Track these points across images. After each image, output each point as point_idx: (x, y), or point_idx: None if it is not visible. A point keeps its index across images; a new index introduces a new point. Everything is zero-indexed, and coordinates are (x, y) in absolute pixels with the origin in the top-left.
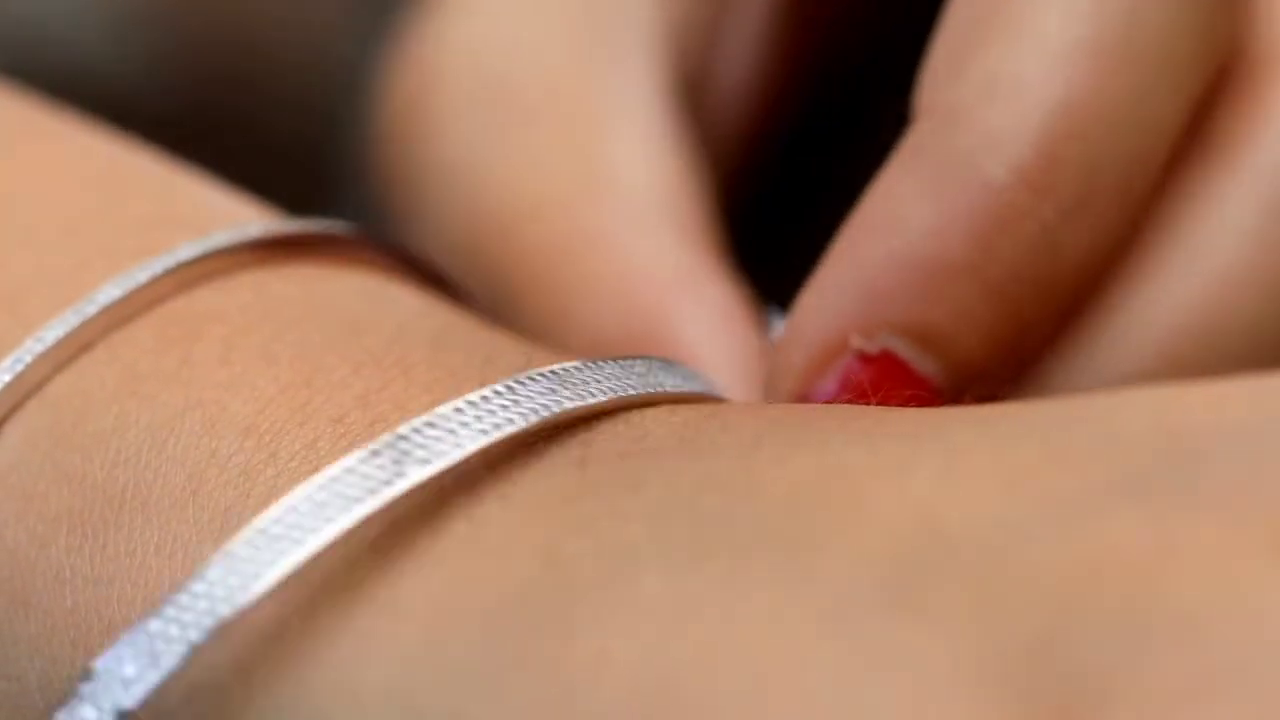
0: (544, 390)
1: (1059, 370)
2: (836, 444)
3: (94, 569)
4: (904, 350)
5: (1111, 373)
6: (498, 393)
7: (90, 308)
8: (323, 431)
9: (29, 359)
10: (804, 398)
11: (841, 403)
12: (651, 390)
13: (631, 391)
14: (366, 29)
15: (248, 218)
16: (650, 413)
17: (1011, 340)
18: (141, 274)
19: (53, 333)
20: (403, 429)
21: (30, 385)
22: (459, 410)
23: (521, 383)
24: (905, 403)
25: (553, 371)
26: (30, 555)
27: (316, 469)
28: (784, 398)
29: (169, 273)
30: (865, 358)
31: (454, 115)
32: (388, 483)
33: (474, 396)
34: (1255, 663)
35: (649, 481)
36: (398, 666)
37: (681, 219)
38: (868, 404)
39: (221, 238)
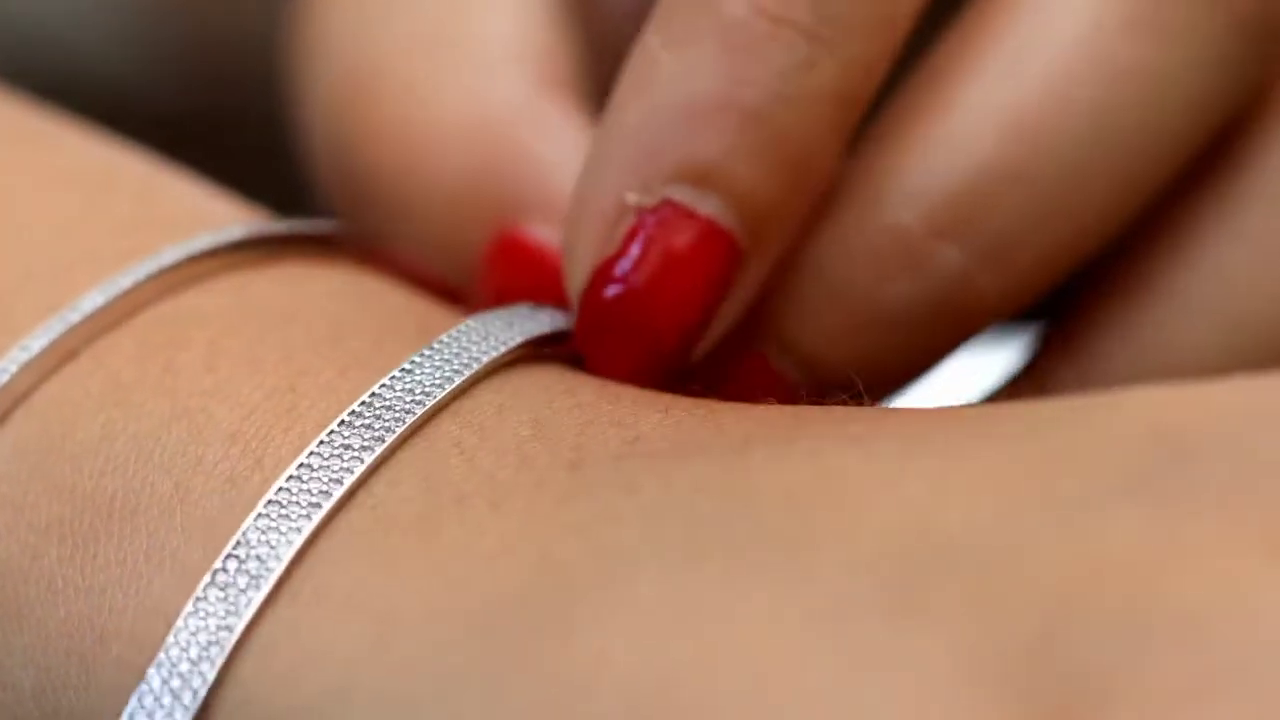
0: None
1: (889, 184)
2: (830, 447)
3: (85, 578)
4: (683, 195)
5: (944, 170)
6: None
7: (74, 315)
8: (309, 436)
9: (14, 369)
10: (602, 271)
11: (647, 270)
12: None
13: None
14: None
15: (233, 218)
16: (643, 414)
17: (788, 167)
18: (125, 279)
19: (38, 341)
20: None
21: (17, 395)
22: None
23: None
24: (700, 253)
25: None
26: (23, 566)
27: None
28: (581, 276)
29: (152, 277)
30: (647, 212)
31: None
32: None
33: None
34: (1255, 662)
35: (643, 483)
36: (396, 674)
37: (540, 68)
38: (669, 263)
39: (204, 240)
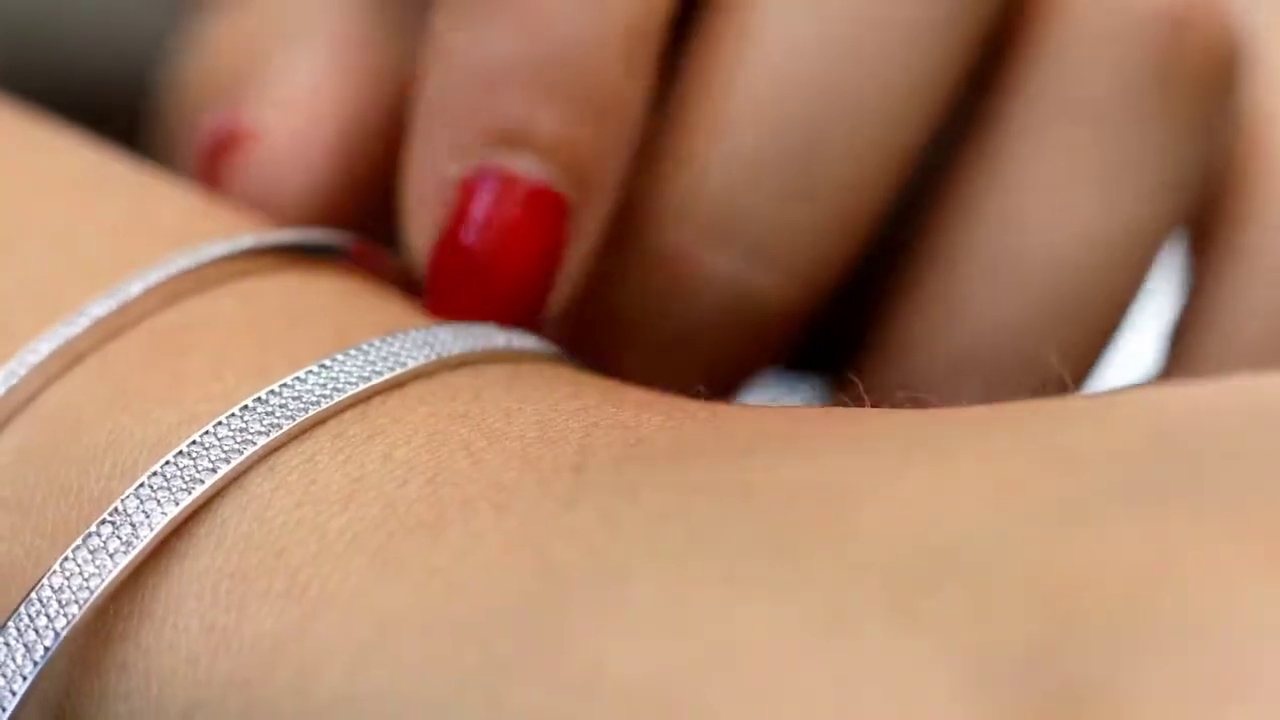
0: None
1: (653, 210)
2: (829, 450)
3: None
4: (501, 158)
5: (695, 182)
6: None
7: (82, 320)
8: (322, 445)
9: (24, 371)
10: (443, 243)
11: (487, 236)
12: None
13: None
14: None
15: (232, 224)
16: (646, 417)
17: (594, 112)
18: (135, 286)
19: (45, 345)
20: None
21: (22, 399)
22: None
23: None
24: (529, 213)
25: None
26: (26, 569)
27: (314, 482)
28: (422, 247)
29: (160, 285)
30: (472, 180)
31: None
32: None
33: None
34: (1256, 668)
35: (644, 487)
36: (395, 679)
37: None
38: (503, 226)
39: (217, 248)
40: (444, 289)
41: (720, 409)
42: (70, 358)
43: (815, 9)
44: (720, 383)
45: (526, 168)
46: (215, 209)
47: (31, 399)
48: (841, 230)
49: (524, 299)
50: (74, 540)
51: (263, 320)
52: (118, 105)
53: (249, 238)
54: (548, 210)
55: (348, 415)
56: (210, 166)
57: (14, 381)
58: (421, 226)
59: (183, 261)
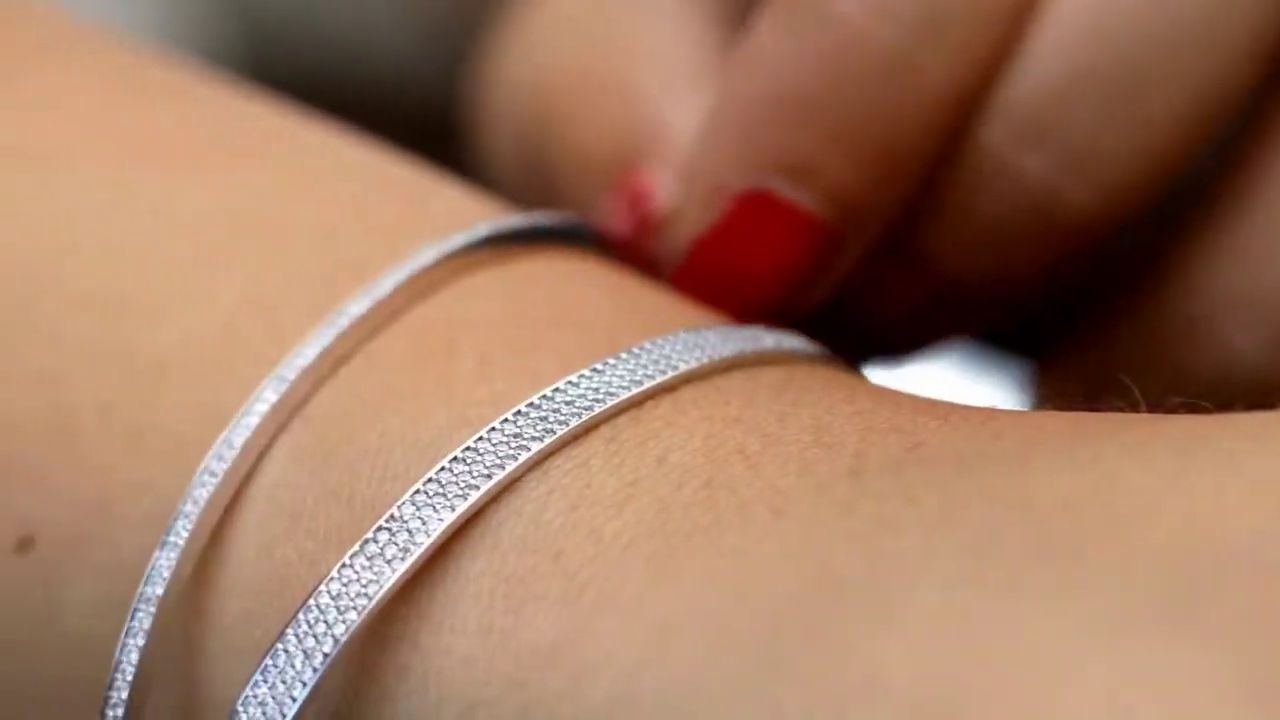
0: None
1: (977, 107)
2: (1110, 455)
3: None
4: (779, 186)
5: (1024, 85)
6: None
7: (343, 320)
8: (595, 450)
9: (293, 375)
10: (703, 243)
11: (745, 251)
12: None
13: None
14: None
15: (490, 216)
16: (922, 421)
17: (882, 168)
18: (386, 283)
19: (312, 348)
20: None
21: (294, 403)
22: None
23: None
24: (793, 241)
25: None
26: (300, 573)
27: (588, 485)
28: (683, 242)
29: (413, 279)
30: (743, 197)
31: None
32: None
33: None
34: None
35: (922, 492)
36: (671, 685)
37: (688, 68)
38: (765, 246)
39: (458, 239)
40: (689, 282)
41: (996, 412)
42: (336, 360)
43: None
44: (1016, 280)
45: (803, 199)
46: (485, 204)
47: (303, 403)
48: (1157, 158)
49: (770, 311)
50: (348, 545)
51: (528, 319)
52: (362, 98)
53: (484, 225)
54: (814, 238)
55: (620, 419)
56: (637, 227)
57: (285, 388)
58: (689, 222)
59: (428, 254)
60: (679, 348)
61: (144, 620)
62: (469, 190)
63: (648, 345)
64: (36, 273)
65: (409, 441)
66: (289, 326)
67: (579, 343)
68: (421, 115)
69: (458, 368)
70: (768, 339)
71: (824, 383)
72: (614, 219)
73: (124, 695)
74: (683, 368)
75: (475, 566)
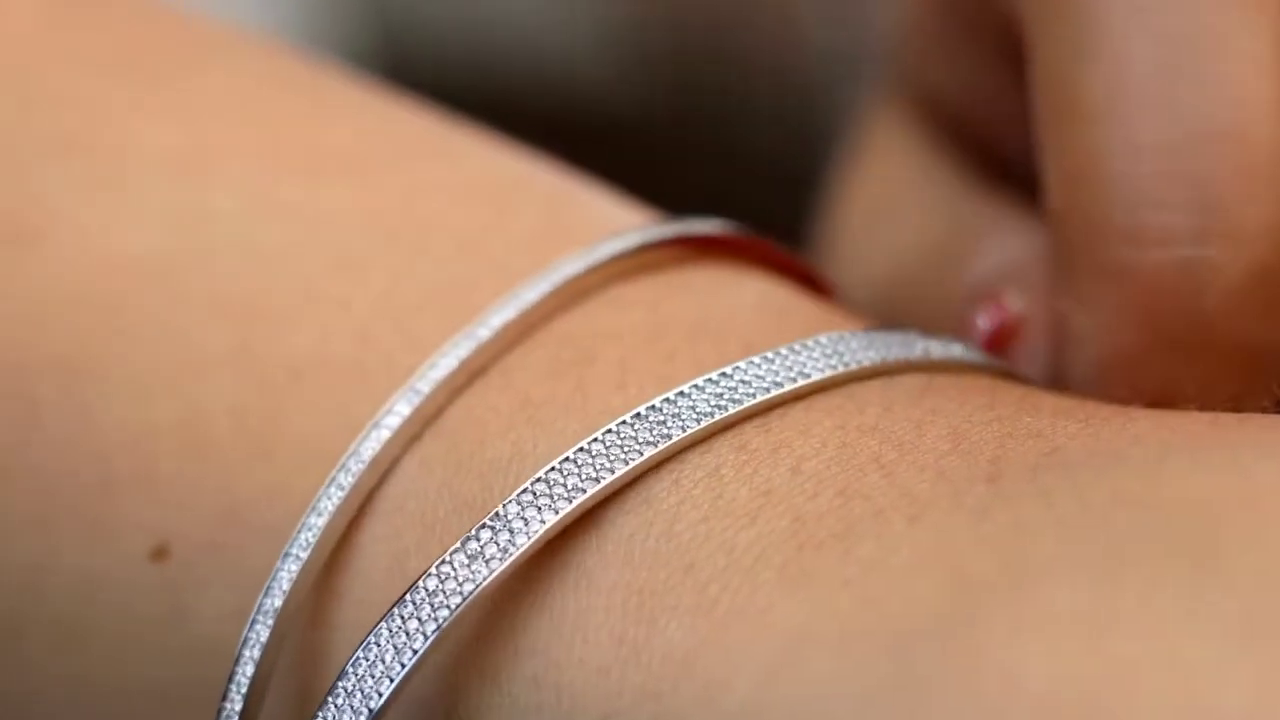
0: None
1: None
2: (1247, 458)
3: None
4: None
5: None
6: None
7: (484, 331)
8: (725, 458)
9: (428, 389)
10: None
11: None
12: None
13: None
14: (847, 46)
15: (636, 224)
16: (1061, 425)
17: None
18: (530, 293)
19: (447, 360)
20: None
21: (428, 415)
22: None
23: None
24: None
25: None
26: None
27: (720, 495)
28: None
29: (556, 290)
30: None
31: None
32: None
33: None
34: None
35: (1059, 496)
36: (804, 694)
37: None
38: None
39: (606, 249)
40: None
41: (1134, 413)
42: (472, 370)
43: None
44: None
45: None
46: (630, 211)
47: (437, 415)
48: None
49: None
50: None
51: (669, 328)
52: (503, 98)
53: (635, 234)
54: None
55: (747, 427)
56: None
57: (418, 401)
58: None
59: (574, 265)
60: (815, 355)
61: (261, 632)
62: (615, 196)
63: (783, 350)
64: (175, 276)
65: (541, 451)
66: (426, 335)
67: (717, 350)
68: (564, 114)
69: (594, 376)
70: (917, 345)
71: (964, 390)
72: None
73: (237, 708)
74: (815, 375)
75: (608, 578)
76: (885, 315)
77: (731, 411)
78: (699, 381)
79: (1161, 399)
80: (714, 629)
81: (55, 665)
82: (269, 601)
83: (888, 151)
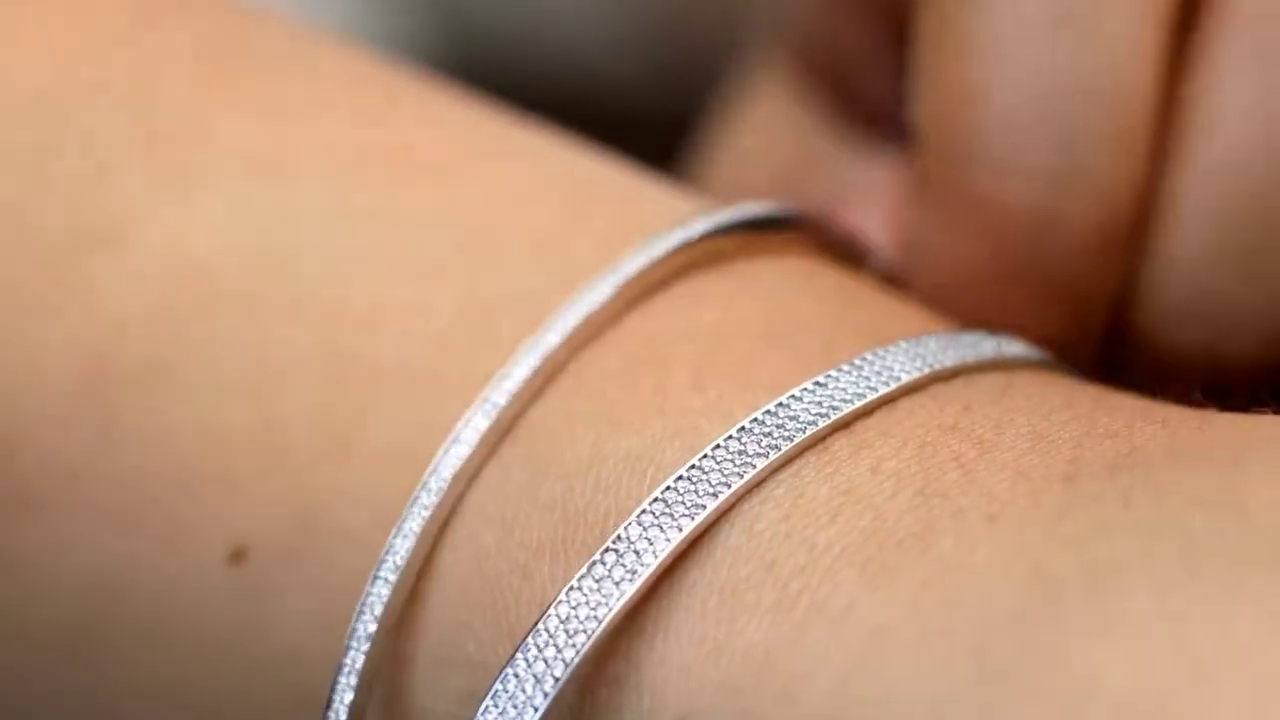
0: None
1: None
2: None
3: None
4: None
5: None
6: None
7: (552, 337)
8: (807, 459)
9: (504, 401)
10: None
11: None
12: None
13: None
14: None
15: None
16: (1139, 425)
17: (1067, 311)
18: (596, 294)
19: (523, 368)
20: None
21: (505, 425)
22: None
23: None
24: None
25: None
26: (514, 584)
27: (801, 495)
28: None
29: (622, 289)
30: None
31: None
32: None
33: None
34: None
35: (1137, 497)
36: (883, 691)
37: None
38: None
39: (666, 242)
40: None
41: (1214, 416)
42: (548, 373)
43: None
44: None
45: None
46: (698, 203)
47: (511, 423)
48: None
49: None
50: (560, 556)
51: (743, 327)
52: (565, 95)
53: (699, 222)
54: None
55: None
56: None
57: (495, 414)
58: None
59: (639, 259)
60: (900, 358)
61: (356, 659)
62: (681, 190)
63: (870, 357)
64: (255, 279)
65: (621, 453)
66: (502, 339)
67: (795, 354)
68: (626, 111)
69: (671, 378)
70: (988, 344)
71: (1042, 389)
72: None
73: None
74: (905, 379)
75: (689, 578)
76: None
77: (832, 419)
78: (795, 391)
79: (984, 321)
80: (794, 627)
81: (137, 668)
82: (361, 626)
83: (759, 96)
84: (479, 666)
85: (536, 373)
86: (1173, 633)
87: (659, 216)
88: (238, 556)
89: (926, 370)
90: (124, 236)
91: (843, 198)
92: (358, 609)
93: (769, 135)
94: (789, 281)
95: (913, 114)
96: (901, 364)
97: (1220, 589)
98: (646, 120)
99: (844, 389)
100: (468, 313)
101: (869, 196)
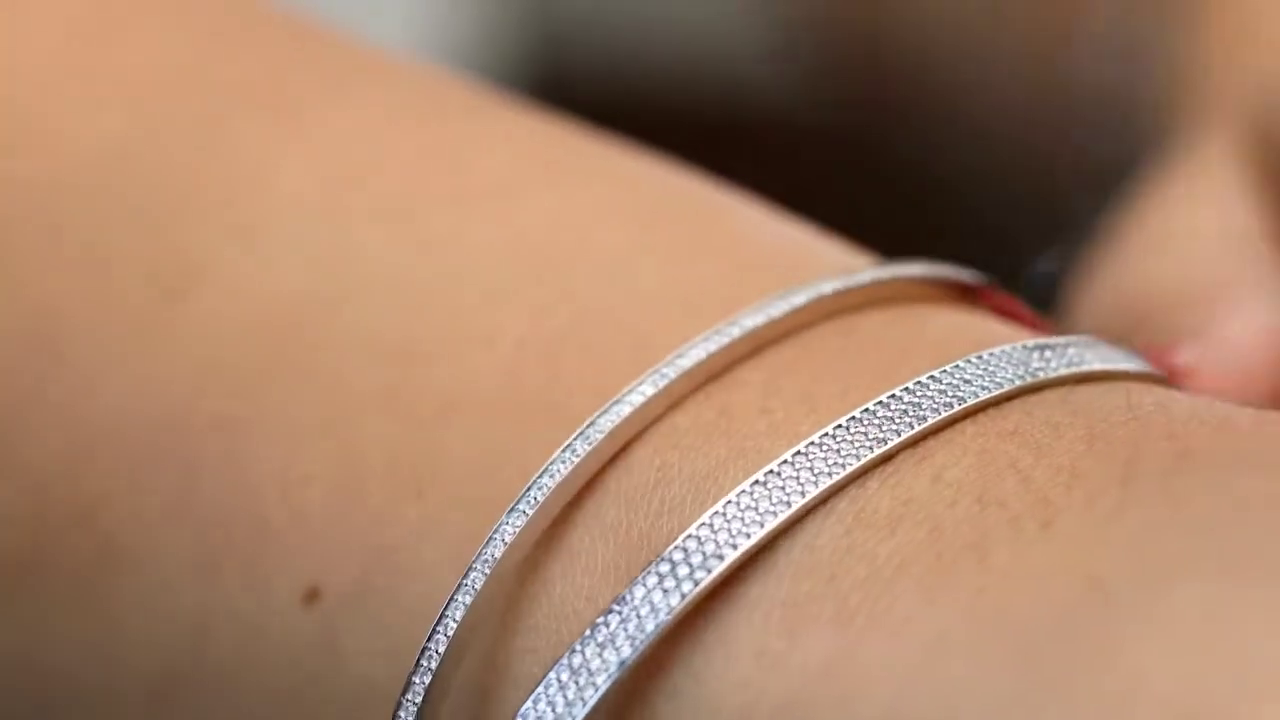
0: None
1: None
2: None
3: None
4: None
5: None
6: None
7: (633, 401)
8: (873, 472)
9: (579, 459)
10: None
11: None
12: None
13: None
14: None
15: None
16: (1194, 427)
17: None
18: (710, 344)
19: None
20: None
21: (578, 482)
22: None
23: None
24: None
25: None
26: (579, 609)
27: (863, 507)
28: None
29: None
30: None
31: None
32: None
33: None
34: None
35: (1191, 498)
36: (944, 698)
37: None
38: None
39: (781, 306)
40: None
41: (1269, 416)
42: (648, 417)
43: None
44: None
45: None
46: (780, 225)
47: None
48: None
49: None
50: (624, 580)
51: (813, 349)
52: (663, 103)
53: (830, 283)
54: None
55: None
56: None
57: (568, 469)
58: None
59: (756, 318)
60: (976, 372)
61: (425, 678)
62: (764, 207)
63: (937, 375)
64: (323, 318)
65: (686, 475)
66: (569, 369)
67: (862, 373)
68: (737, 124)
69: (738, 399)
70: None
71: (1102, 391)
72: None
73: None
74: (970, 401)
75: (751, 592)
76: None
77: (904, 437)
78: (857, 413)
79: None
80: (852, 640)
81: (217, 714)
82: (419, 681)
83: (1193, 179)
84: (528, 682)
85: (638, 413)
86: (1219, 633)
87: (731, 231)
88: (311, 595)
89: (994, 392)
90: (191, 286)
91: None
92: (416, 659)
93: (1189, 230)
94: (879, 314)
95: None
96: (966, 386)
97: (1267, 590)
98: (772, 131)
99: (915, 405)
100: (534, 345)
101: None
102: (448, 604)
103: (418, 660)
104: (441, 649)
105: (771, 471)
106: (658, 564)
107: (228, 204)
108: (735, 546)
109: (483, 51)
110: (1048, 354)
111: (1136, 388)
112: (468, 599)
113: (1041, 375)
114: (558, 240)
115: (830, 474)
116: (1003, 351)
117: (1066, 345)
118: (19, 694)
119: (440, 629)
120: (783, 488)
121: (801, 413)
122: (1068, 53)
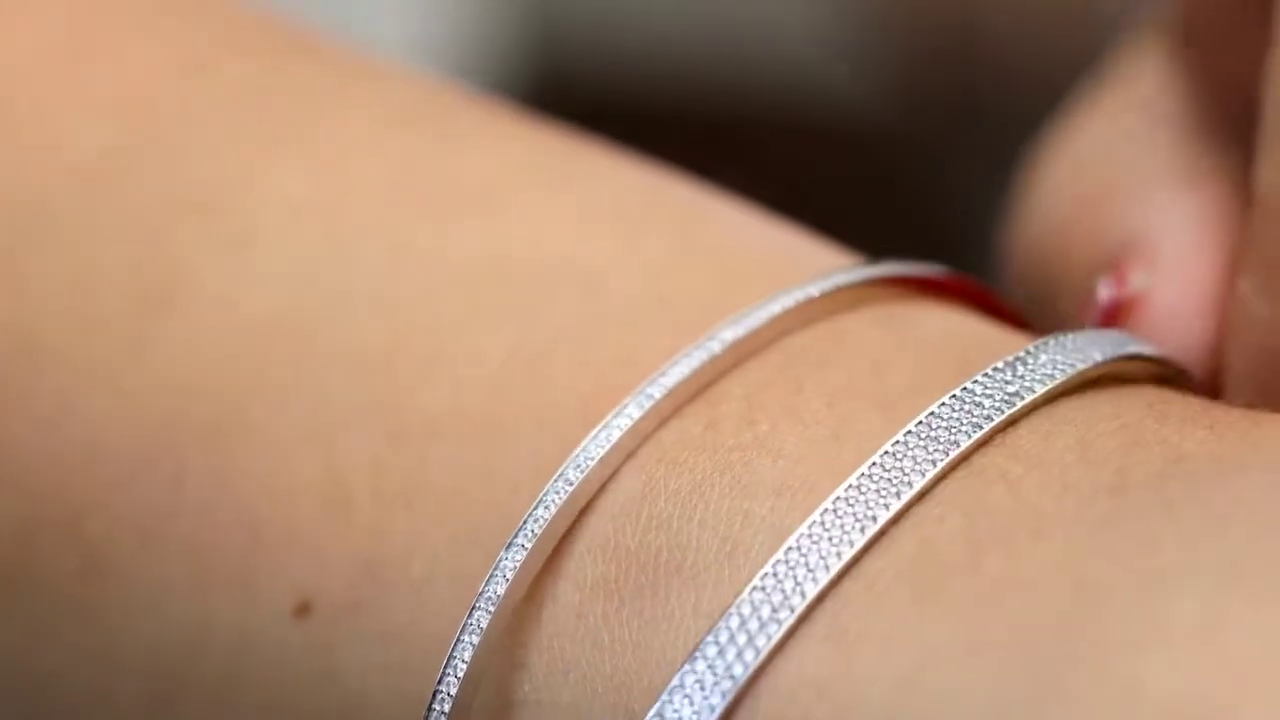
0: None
1: None
2: None
3: (632, 634)
4: None
5: None
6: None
7: (627, 414)
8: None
9: (577, 481)
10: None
11: None
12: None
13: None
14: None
15: (788, 261)
16: (1188, 431)
17: None
18: (693, 359)
19: (597, 448)
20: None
21: (581, 501)
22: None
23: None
24: None
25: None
26: (569, 624)
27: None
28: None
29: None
30: None
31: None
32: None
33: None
34: None
35: (1182, 507)
36: (936, 708)
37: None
38: None
39: (766, 311)
40: None
41: (1261, 419)
42: (642, 433)
43: None
44: None
45: None
46: (761, 227)
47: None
48: None
49: None
50: (613, 596)
51: (797, 361)
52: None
53: (841, 275)
54: None
55: None
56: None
57: (572, 490)
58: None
59: (736, 330)
60: (946, 424)
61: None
62: (746, 208)
63: (942, 403)
64: (309, 332)
65: (672, 490)
66: (555, 382)
67: (844, 384)
68: (788, 121)
69: (723, 413)
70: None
71: (1091, 397)
72: (1093, 315)
73: None
74: (986, 427)
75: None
76: (1024, 276)
77: (923, 483)
78: (876, 457)
79: None
80: (844, 655)
81: None
82: (439, 707)
83: (1117, 86)
84: (533, 706)
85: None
86: (1214, 639)
87: (714, 236)
88: (302, 609)
89: (983, 429)
90: (177, 299)
91: (1146, 239)
92: (437, 681)
93: (1104, 144)
94: (859, 317)
95: (1255, 180)
96: (979, 413)
97: (1262, 595)
98: (822, 127)
99: (956, 420)
100: (518, 359)
101: (1180, 240)
102: (455, 644)
103: (430, 705)
104: (453, 691)
105: (827, 510)
106: (715, 632)
107: (211, 217)
108: (792, 609)
109: (482, 51)
110: (1020, 370)
111: (1126, 392)
112: (475, 639)
113: (1019, 403)
114: (542, 252)
115: (900, 494)
116: (978, 384)
117: (1039, 352)
118: (17, 696)
119: (450, 671)
120: (840, 524)
121: (786, 425)
122: None
